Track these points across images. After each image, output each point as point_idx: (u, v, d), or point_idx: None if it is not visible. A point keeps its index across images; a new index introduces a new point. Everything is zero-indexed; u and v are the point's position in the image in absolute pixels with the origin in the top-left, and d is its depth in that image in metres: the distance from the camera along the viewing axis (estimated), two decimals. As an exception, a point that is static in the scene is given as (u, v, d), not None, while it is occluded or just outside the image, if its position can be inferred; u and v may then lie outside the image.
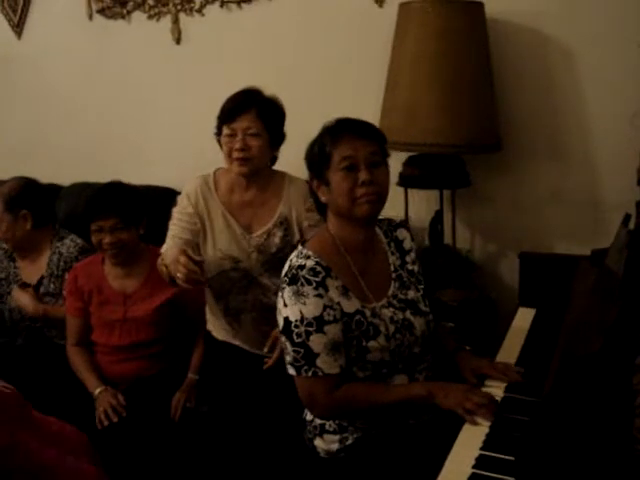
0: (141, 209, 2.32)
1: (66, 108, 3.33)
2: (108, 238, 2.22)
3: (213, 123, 2.06)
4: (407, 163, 2.39)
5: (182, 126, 3.02)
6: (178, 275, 1.82)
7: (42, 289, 2.50)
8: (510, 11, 2.36)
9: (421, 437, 1.59)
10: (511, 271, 2.43)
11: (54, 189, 3.02)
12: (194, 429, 2.13)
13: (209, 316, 2.20)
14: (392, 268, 1.72)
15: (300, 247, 1.66)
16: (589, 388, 1.18)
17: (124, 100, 3.18)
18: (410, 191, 2.46)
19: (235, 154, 1.99)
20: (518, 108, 2.41)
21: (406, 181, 2.39)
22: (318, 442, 1.69)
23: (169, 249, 2.01)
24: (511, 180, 2.48)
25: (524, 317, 2.01)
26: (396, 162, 2.28)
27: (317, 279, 1.56)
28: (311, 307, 1.54)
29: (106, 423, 2.10)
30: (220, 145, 2.05)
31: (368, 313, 1.61)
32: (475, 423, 1.42)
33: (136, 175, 2.76)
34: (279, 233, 2.07)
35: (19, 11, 3.33)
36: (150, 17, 3.04)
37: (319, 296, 1.54)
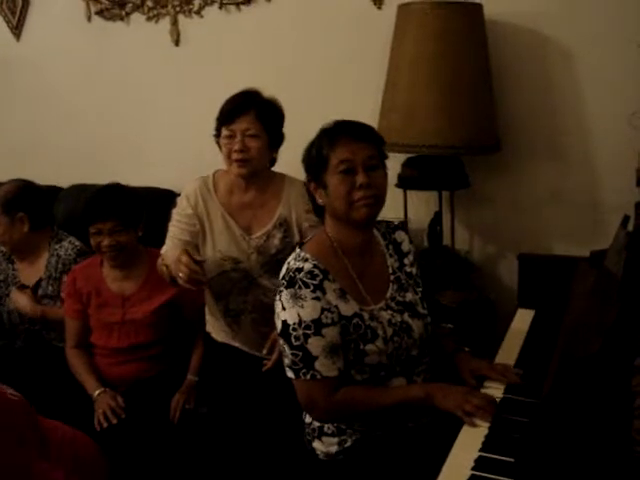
0: (139, 211, 2.31)
1: (65, 110, 3.32)
2: (107, 240, 2.22)
3: (212, 124, 2.06)
4: (406, 164, 2.38)
5: (181, 127, 3.02)
6: (180, 275, 1.82)
7: (40, 291, 2.49)
8: (509, 12, 2.36)
9: (420, 439, 1.59)
10: (510, 272, 2.42)
11: (53, 191, 3.02)
12: (193, 431, 2.13)
13: (208, 317, 2.20)
14: (390, 270, 1.71)
15: (298, 250, 1.66)
16: (588, 389, 1.18)
17: (123, 102, 3.18)
18: (409, 192, 2.46)
19: (234, 155, 1.99)
20: (517, 109, 2.41)
21: (405, 182, 2.38)
22: (317, 444, 1.69)
23: (169, 250, 2.02)
24: (510, 181, 2.48)
25: (523, 318, 2.01)
26: (395, 163, 2.28)
27: (315, 282, 1.55)
28: (309, 310, 1.54)
29: (105, 425, 2.10)
30: (219, 147, 2.05)
31: (366, 316, 1.60)
32: (474, 425, 1.42)
33: (135, 177, 2.76)
34: (278, 234, 2.07)
35: (18, 13, 3.32)
36: (149, 19, 3.04)
37: (317, 299, 1.54)
